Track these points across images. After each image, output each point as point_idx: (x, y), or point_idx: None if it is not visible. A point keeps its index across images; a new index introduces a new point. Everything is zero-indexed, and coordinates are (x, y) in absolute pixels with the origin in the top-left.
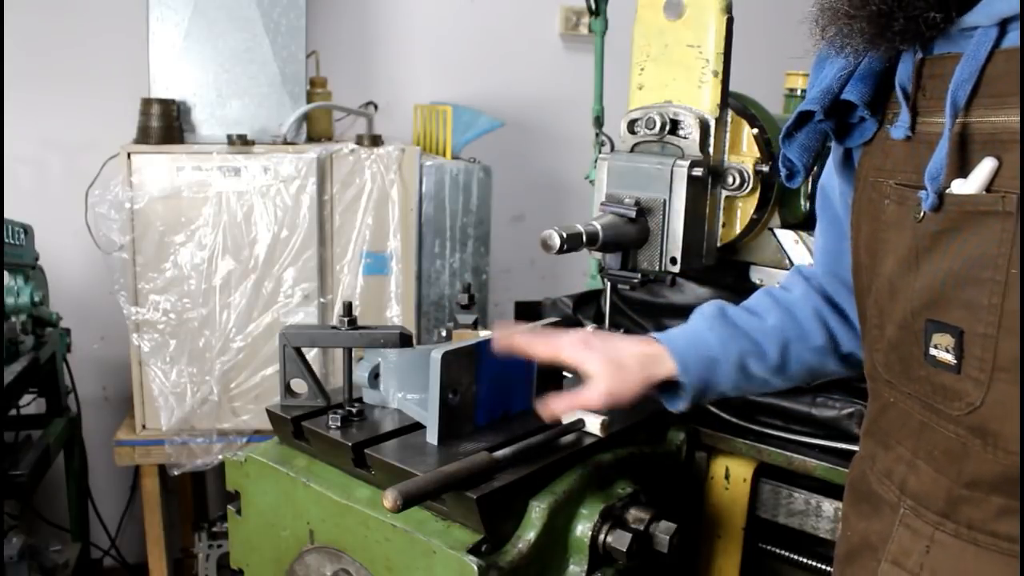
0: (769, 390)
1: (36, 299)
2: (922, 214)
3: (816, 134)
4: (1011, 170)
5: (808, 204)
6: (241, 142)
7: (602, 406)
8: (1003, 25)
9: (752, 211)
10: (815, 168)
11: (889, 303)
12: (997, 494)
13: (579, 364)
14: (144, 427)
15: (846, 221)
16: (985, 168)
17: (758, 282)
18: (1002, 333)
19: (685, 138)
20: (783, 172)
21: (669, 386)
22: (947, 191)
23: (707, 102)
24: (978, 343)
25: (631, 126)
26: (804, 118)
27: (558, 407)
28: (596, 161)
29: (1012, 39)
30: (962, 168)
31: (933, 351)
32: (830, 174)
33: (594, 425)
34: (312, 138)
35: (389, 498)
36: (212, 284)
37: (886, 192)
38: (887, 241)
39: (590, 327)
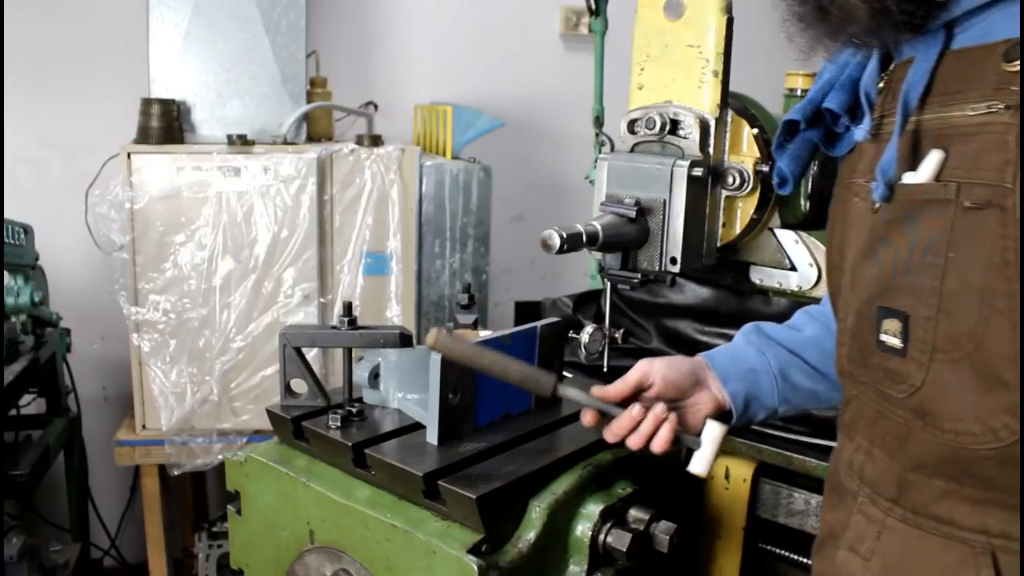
0: (824, 405)
1: (36, 299)
2: (877, 206)
3: (806, 143)
4: (956, 161)
5: (808, 204)
6: (241, 142)
7: (651, 378)
8: (949, 28)
9: (752, 211)
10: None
11: (850, 294)
12: (939, 477)
13: (636, 370)
14: (144, 427)
15: None
16: (933, 159)
17: (758, 282)
18: (941, 315)
19: (685, 138)
20: (775, 180)
21: (722, 415)
22: (898, 183)
23: (707, 102)
24: (920, 326)
25: (631, 126)
26: (793, 128)
27: (613, 391)
28: (596, 161)
29: (961, 40)
30: (915, 163)
31: (883, 336)
32: None
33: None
34: (312, 138)
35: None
36: (212, 284)
37: (856, 191)
38: (851, 236)
39: (590, 327)
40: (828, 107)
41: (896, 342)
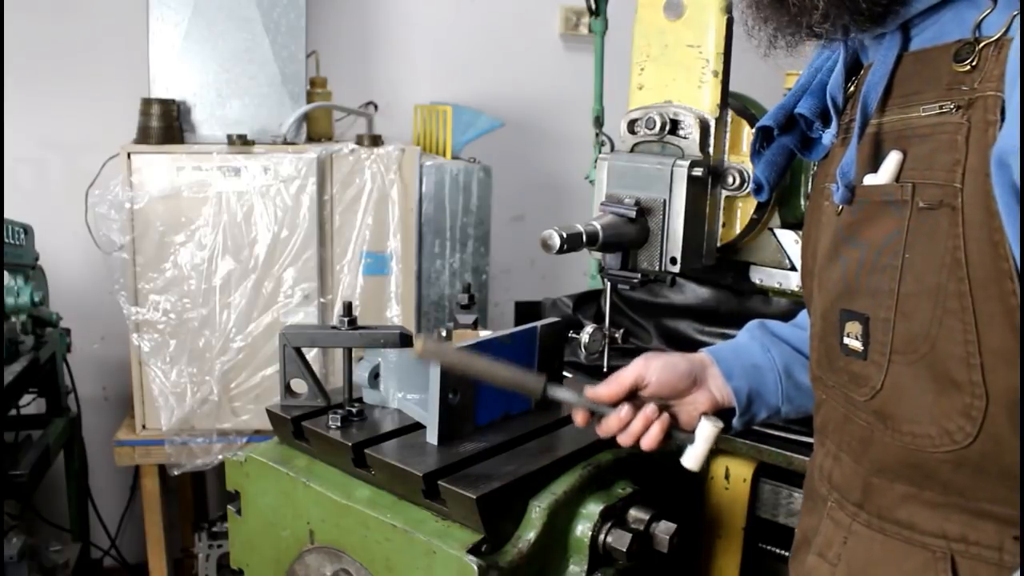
0: None
1: (36, 299)
2: (840, 208)
3: (781, 150)
4: (912, 162)
5: (807, 204)
6: (241, 142)
7: (646, 379)
8: (906, 31)
9: (752, 211)
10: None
11: (818, 297)
12: (900, 481)
13: (631, 371)
14: (144, 427)
15: None
16: (892, 160)
17: (758, 282)
18: (898, 317)
19: (685, 138)
20: (752, 187)
21: (723, 412)
22: (859, 185)
23: (707, 102)
24: (879, 328)
25: (631, 126)
26: (768, 134)
27: (606, 392)
28: (596, 161)
29: (917, 42)
30: (877, 165)
31: (846, 339)
32: None
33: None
34: (312, 138)
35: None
36: (212, 284)
37: (826, 195)
38: (821, 239)
39: (590, 327)
40: (800, 112)
41: (857, 345)
